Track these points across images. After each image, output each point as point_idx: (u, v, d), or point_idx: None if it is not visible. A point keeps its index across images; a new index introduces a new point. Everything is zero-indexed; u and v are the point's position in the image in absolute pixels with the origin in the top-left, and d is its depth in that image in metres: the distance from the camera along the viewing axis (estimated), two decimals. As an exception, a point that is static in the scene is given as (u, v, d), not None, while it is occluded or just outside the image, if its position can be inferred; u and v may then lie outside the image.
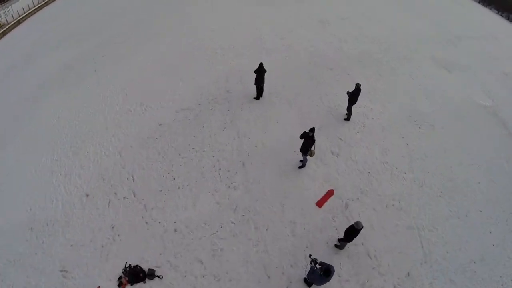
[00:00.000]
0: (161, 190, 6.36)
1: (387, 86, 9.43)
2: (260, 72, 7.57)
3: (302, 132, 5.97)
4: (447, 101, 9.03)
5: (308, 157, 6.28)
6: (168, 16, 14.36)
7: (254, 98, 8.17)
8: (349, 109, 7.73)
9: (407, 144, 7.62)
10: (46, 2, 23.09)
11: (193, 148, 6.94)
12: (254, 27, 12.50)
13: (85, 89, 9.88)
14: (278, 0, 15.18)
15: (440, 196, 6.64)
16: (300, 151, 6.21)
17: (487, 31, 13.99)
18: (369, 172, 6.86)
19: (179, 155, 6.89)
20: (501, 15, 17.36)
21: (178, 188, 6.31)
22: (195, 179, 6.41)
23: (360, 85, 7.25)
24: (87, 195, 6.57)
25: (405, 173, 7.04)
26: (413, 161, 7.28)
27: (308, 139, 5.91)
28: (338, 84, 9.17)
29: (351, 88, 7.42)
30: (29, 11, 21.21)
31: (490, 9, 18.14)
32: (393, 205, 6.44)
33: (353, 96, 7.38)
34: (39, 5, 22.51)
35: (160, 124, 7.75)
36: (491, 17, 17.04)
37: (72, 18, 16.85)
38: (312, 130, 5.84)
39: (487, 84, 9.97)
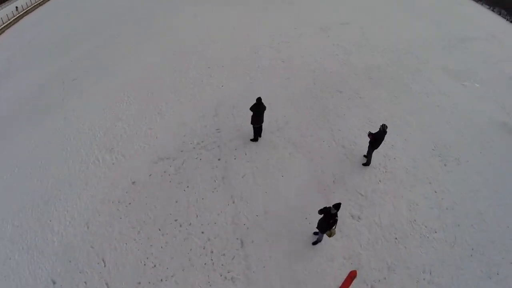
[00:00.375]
0: (140, 283, 4.90)
1: (405, 110, 8.05)
2: (259, 109, 5.92)
3: (322, 207, 4.51)
4: (466, 122, 7.97)
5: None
6: (148, 26, 12.46)
7: (251, 139, 6.56)
8: (369, 154, 6.35)
9: (435, 192, 6.38)
10: (27, 11, 22.13)
11: (176, 220, 5.42)
12: (247, 38, 10.69)
13: (51, 124, 8.24)
14: (273, 4, 13.53)
15: (471, 255, 5.57)
16: (317, 228, 4.87)
17: (485, 30, 13.43)
18: (396, 238, 5.62)
19: (159, 230, 5.38)
20: (493, 10, 17.34)
21: (161, 280, 4.87)
22: (181, 266, 4.97)
23: (386, 127, 5.77)
24: (54, 283, 5.16)
25: (435, 232, 5.88)
26: (443, 212, 6.12)
27: (329, 217, 4.59)
28: (351, 112, 7.62)
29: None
30: (8, 22, 19.40)
31: (482, 4, 17.98)
32: (424, 279, 5.30)
33: (376, 140, 5.94)
34: (18, 14, 20.89)
35: (133, 182, 6.13)
36: (484, 13, 16.57)
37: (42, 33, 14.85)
38: (337, 206, 4.40)
39: (498, 94, 9.09)
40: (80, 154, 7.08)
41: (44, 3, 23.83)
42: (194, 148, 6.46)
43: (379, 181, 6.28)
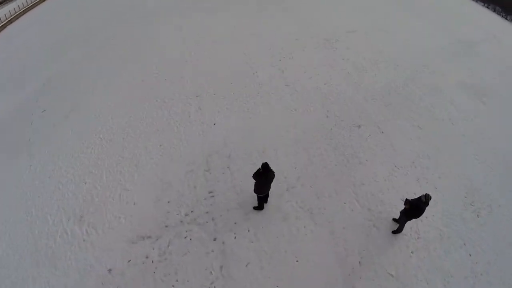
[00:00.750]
0: None
1: (432, 146, 6.88)
2: (267, 177, 4.52)
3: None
4: (492, 151, 7.06)
5: None
6: (128, 44, 10.86)
7: (255, 208, 5.18)
8: (402, 221, 5.19)
9: (470, 255, 5.35)
10: (10, 20, 19.84)
11: (164, 333, 4.31)
12: (243, 53, 9.09)
13: (13, 175, 6.79)
14: (270, 8, 12.15)
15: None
16: None
17: (485, 30, 13.16)
18: (432, 331, 4.78)
19: None
20: (488, 7, 17.25)
21: None
22: None
23: (429, 198, 4.55)
24: None
25: (470, 306, 5.11)
26: (478, 281, 5.12)
27: None
28: (375, 155, 6.28)
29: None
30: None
31: (476, 1, 17.90)
32: None
33: (414, 210, 4.76)
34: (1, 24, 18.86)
35: (109, 270, 4.78)
36: (481, 12, 16.33)
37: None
38: None
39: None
40: (46, 221, 5.68)
41: (28, 11, 21.42)
42: (181, 221, 5.06)
43: (411, 252, 5.15)
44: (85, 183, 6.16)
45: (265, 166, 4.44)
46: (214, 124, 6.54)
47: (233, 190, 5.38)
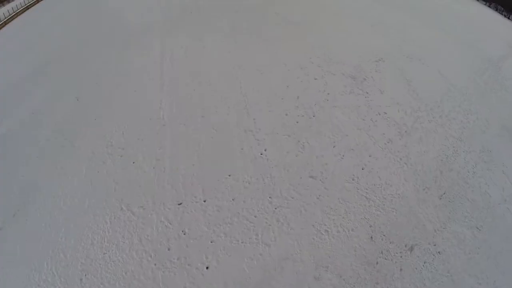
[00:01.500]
0: None
1: (491, 257, 5.09)
2: None
3: None
4: None
5: None
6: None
7: None
8: None
9: None
10: None
11: None
12: (241, 108, 6.52)
13: None
14: (272, 41, 9.47)
15: None
16: None
17: (495, 34, 12.02)
18: None
19: None
20: (489, 7, 16.56)
21: None
22: None
23: None
24: None
25: None
26: None
27: None
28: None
29: None
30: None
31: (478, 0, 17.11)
32: None
33: None
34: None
35: None
36: (488, 14, 15.15)
37: None
38: None
39: None
40: None
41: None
42: None
43: None
44: None
45: None
46: (207, 268, 4.18)
47: None
